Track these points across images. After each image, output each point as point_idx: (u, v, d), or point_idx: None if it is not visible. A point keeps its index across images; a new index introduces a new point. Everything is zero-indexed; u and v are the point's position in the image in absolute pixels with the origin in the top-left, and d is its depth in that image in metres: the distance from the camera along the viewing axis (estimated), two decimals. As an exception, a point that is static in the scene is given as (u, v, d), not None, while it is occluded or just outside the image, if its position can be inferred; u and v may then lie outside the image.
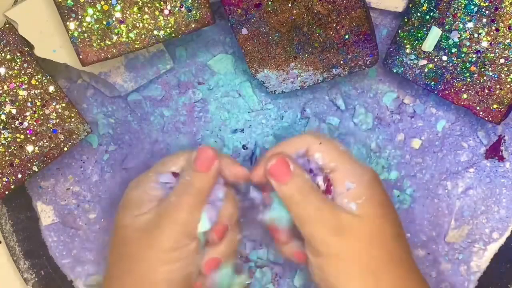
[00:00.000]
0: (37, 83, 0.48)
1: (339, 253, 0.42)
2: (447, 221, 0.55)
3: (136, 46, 0.47)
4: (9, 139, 0.48)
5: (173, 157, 0.48)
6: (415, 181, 0.55)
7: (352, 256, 0.42)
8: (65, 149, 0.49)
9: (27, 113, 0.48)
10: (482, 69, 0.48)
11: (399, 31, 0.51)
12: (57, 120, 0.49)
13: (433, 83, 0.50)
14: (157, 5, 0.46)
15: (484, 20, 0.47)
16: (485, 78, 0.48)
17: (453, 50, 0.49)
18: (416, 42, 0.50)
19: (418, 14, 0.50)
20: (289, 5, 0.47)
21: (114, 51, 0.47)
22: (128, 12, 0.46)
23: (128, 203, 0.46)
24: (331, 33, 0.48)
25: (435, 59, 0.50)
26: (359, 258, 0.42)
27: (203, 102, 0.55)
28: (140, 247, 0.44)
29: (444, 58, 0.49)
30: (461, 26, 0.48)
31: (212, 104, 0.55)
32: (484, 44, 0.48)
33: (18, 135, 0.48)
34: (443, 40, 0.49)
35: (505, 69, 0.48)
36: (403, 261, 0.44)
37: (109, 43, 0.46)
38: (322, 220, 0.43)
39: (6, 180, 0.48)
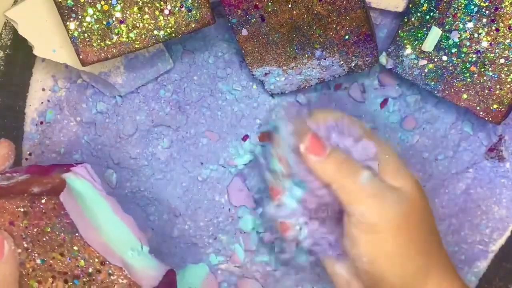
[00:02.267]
0: None
1: (396, 223, 0.41)
2: (447, 222, 0.55)
3: (136, 46, 0.47)
4: None
5: None
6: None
7: (406, 227, 0.42)
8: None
9: None
10: (482, 69, 0.48)
11: (399, 31, 0.51)
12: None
13: (433, 83, 0.50)
14: (157, 5, 0.46)
15: (484, 20, 0.47)
16: (485, 78, 0.48)
17: (453, 50, 0.49)
18: (416, 42, 0.50)
19: (418, 14, 0.50)
20: (289, 5, 0.47)
21: (114, 51, 0.47)
22: (128, 12, 0.46)
23: None
24: (331, 33, 0.48)
25: (435, 59, 0.50)
26: (410, 229, 0.42)
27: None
28: None
29: (444, 58, 0.49)
30: (461, 26, 0.48)
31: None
32: (484, 44, 0.48)
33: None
34: (443, 40, 0.49)
35: (505, 69, 0.48)
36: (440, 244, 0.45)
37: (109, 43, 0.46)
38: (374, 192, 0.41)
39: None
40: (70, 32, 0.46)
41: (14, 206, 0.42)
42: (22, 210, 0.42)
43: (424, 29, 0.49)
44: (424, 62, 0.50)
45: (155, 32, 0.47)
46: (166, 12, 0.46)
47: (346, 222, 0.43)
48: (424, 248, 0.43)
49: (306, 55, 0.50)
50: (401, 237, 0.41)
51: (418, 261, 0.42)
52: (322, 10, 0.47)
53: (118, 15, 0.46)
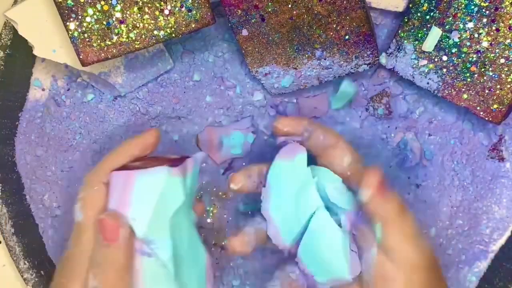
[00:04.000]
0: None
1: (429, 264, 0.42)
2: (447, 222, 0.55)
3: (136, 46, 0.47)
4: None
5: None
6: (414, 182, 0.55)
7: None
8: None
9: None
10: (483, 69, 0.48)
11: (399, 31, 0.51)
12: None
13: (433, 83, 0.50)
14: (157, 5, 0.46)
15: (484, 20, 0.47)
16: (485, 78, 0.48)
17: (454, 50, 0.49)
18: (416, 42, 0.50)
19: (418, 14, 0.50)
20: (289, 5, 0.47)
21: (114, 51, 0.47)
22: (128, 12, 0.46)
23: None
24: (331, 33, 0.48)
25: (435, 59, 0.50)
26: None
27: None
28: None
29: (444, 58, 0.49)
30: (462, 26, 0.48)
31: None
32: (485, 44, 0.48)
33: None
34: (443, 40, 0.49)
35: (506, 69, 0.48)
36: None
37: (109, 43, 0.46)
38: (418, 240, 0.42)
39: None
40: (70, 32, 0.46)
41: None
42: None
43: (424, 29, 0.49)
44: (424, 62, 0.50)
45: (155, 32, 0.47)
46: (166, 12, 0.46)
47: (377, 260, 0.42)
48: None
49: (306, 55, 0.50)
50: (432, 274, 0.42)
51: None
52: (322, 10, 0.47)
53: (118, 15, 0.46)
